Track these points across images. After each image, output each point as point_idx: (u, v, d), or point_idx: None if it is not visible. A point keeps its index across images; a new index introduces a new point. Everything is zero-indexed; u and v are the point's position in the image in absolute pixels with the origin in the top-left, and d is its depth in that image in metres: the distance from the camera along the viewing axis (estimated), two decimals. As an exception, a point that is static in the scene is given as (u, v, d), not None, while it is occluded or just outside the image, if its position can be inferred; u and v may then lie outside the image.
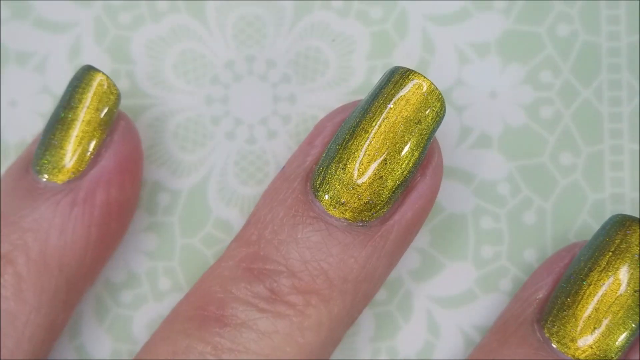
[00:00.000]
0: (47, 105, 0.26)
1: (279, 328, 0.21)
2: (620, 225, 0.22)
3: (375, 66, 0.26)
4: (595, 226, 0.25)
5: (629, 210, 0.25)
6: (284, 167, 0.23)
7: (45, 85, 0.26)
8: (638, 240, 0.22)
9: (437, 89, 0.21)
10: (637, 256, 0.22)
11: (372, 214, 0.22)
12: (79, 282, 0.23)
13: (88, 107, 0.23)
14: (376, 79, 0.26)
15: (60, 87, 0.26)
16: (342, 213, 0.22)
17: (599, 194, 0.25)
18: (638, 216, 0.25)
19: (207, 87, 0.26)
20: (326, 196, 0.22)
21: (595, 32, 0.26)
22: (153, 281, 0.25)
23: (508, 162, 0.26)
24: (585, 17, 0.26)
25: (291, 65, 0.26)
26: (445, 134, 0.26)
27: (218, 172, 0.26)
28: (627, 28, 0.26)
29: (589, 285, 0.22)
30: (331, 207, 0.22)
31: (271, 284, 0.21)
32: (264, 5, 0.26)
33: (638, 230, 0.22)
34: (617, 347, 0.22)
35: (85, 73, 0.23)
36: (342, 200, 0.21)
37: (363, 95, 0.26)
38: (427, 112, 0.21)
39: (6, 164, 0.26)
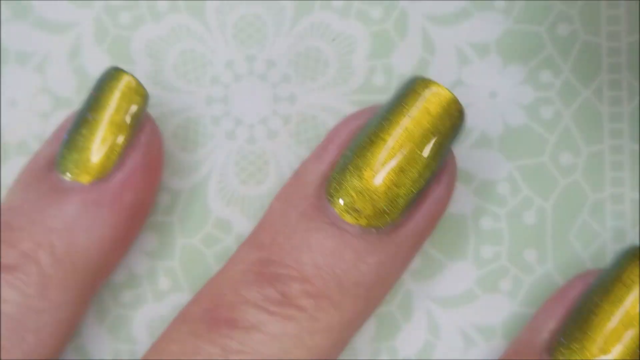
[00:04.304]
0: (47, 105, 0.26)
1: (288, 331, 0.21)
2: (632, 256, 0.22)
3: (375, 66, 0.26)
4: (596, 226, 0.25)
5: (629, 210, 0.25)
6: (297, 172, 0.23)
7: (45, 85, 0.26)
8: None
9: (457, 99, 0.21)
10: None
11: (386, 221, 0.22)
12: (99, 280, 0.23)
13: (114, 109, 0.22)
14: (376, 79, 0.26)
15: (60, 87, 0.26)
16: (356, 219, 0.21)
17: (599, 194, 0.25)
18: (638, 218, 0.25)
19: (207, 87, 0.26)
20: (341, 201, 0.22)
21: (596, 32, 0.26)
22: (153, 281, 0.25)
23: (508, 162, 0.26)
24: (586, 17, 0.26)
25: (291, 65, 0.26)
26: (445, 134, 0.26)
27: (218, 172, 0.26)
28: (627, 28, 0.26)
29: (599, 317, 0.21)
30: (345, 214, 0.22)
31: (282, 287, 0.21)
32: (264, 5, 0.26)
33: None
34: None
35: (112, 74, 0.23)
36: (356, 207, 0.21)
37: (363, 95, 0.26)
38: (446, 122, 0.21)
39: (6, 164, 0.26)
